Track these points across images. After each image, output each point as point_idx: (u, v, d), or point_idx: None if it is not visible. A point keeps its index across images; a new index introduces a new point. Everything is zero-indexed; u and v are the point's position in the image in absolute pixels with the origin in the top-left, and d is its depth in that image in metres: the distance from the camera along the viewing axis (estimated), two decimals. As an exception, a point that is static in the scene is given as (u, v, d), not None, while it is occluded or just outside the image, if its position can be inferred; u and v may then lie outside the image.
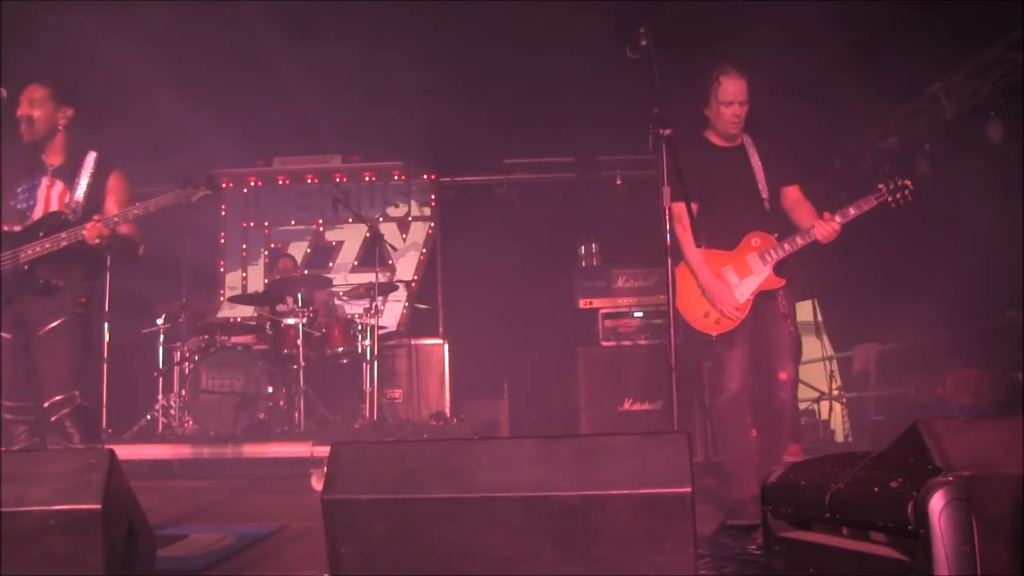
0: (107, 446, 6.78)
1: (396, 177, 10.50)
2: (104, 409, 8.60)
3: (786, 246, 4.44)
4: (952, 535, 1.96)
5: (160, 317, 7.97)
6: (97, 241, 4.05)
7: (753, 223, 4.54)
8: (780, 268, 4.49)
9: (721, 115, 4.55)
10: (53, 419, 4.03)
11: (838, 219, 4.35)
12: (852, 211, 4.35)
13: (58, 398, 4.03)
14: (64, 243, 4.09)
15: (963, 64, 7.50)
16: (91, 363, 4.41)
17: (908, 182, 4.32)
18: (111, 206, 4.29)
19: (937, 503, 1.97)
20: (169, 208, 4.20)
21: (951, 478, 2.04)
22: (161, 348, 7.94)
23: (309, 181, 10.48)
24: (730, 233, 4.52)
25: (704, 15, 6.69)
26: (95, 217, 4.10)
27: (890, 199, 4.33)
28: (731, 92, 4.48)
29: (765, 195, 4.58)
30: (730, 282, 4.50)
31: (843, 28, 6.54)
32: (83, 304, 4.21)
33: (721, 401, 4.56)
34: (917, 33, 6.63)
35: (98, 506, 2.18)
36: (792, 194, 4.65)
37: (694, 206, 4.18)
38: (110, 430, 8.20)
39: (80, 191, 4.26)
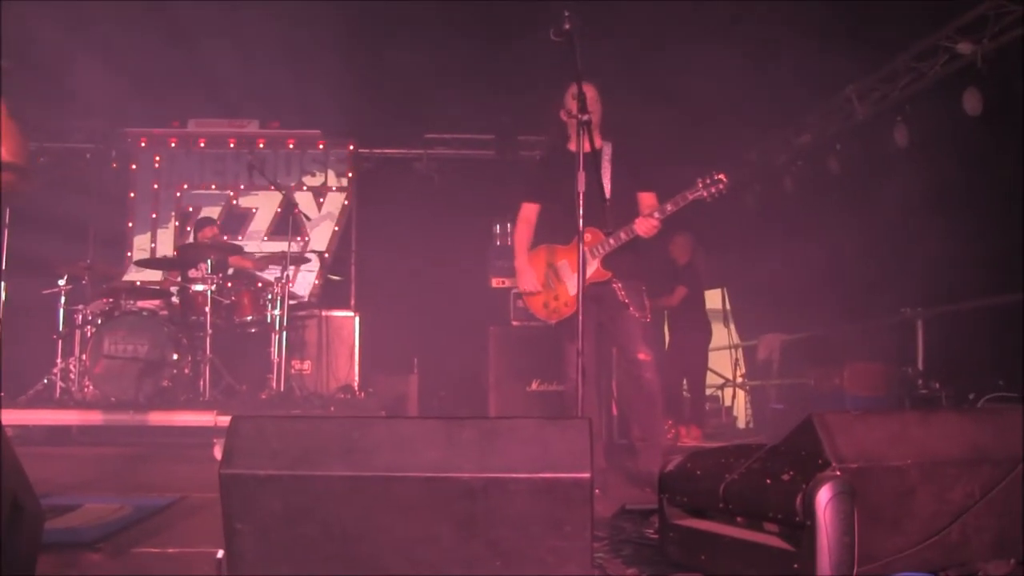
0: (-1, 410, 6.61)
1: (314, 146, 10.33)
2: (-4, 372, 8.28)
3: (611, 241, 4.68)
4: (835, 527, 2.04)
5: (62, 278, 7.66)
6: None
7: (587, 220, 4.67)
8: (610, 261, 4.73)
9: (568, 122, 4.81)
10: None
11: (656, 215, 4.60)
12: (669, 207, 4.59)
13: None
14: None
15: (874, 69, 7.73)
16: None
17: (722, 176, 4.51)
18: None
19: (824, 496, 2.05)
20: None
21: (838, 472, 2.12)
22: (62, 310, 7.64)
23: (225, 145, 10.23)
24: (568, 230, 4.66)
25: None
26: None
27: (705, 193, 4.52)
28: (570, 102, 4.72)
29: (607, 195, 4.72)
30: (564, 274, 4.83)
31: (765, 24, 6.69)
32: None
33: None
34: (836, 34, 6.79)
35: (-25, 480, 2.08)
36: (647, 200, 4.87)
37: (535, 208, 4.94)
38: (2, 394, 7.90)
39: None
